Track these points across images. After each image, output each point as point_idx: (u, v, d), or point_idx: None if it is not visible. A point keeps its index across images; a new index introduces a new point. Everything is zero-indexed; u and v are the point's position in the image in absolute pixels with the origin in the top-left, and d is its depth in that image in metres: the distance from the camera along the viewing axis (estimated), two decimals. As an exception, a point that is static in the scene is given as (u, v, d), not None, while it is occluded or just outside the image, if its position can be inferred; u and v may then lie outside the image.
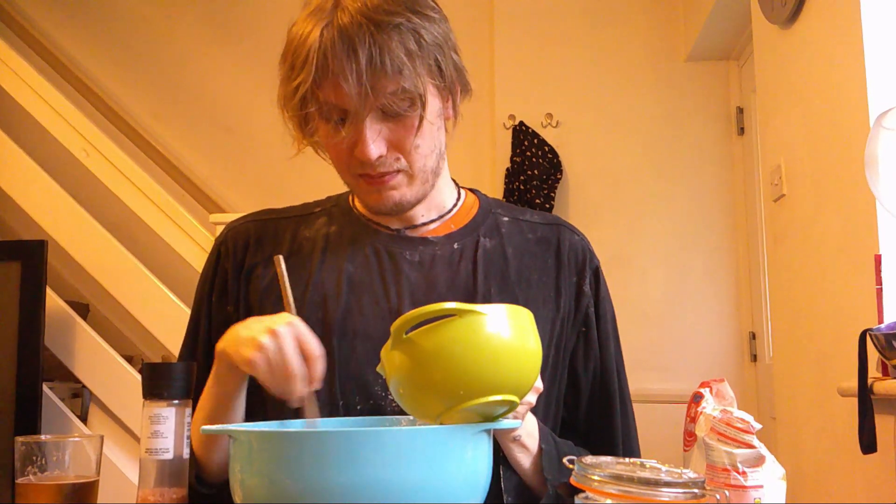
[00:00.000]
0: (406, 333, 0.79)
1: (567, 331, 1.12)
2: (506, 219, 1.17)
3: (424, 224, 1.14)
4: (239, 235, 1.16)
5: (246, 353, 0.88)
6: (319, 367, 0.89)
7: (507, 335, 0.79)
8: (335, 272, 1.09)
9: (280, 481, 0.74)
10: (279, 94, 1.04)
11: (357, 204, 1.17)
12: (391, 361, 0.81)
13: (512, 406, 0.81)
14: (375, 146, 1.00)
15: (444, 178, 1.15)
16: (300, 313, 0.95)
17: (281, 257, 0.97)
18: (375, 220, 1.14)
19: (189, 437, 0.84)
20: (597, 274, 1.16)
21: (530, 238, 1.15)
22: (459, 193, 1.19)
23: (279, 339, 0.87)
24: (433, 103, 1.03)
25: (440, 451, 0.76)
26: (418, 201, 1.09)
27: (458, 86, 1.08)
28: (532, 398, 0.92)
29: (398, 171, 1.04)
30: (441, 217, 1.15)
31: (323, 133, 1.05)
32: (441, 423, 0.80)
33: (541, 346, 0.83)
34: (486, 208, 1.18)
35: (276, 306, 1.08)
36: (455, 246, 1.12)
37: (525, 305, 0.84)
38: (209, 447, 1.02)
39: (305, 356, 0.88)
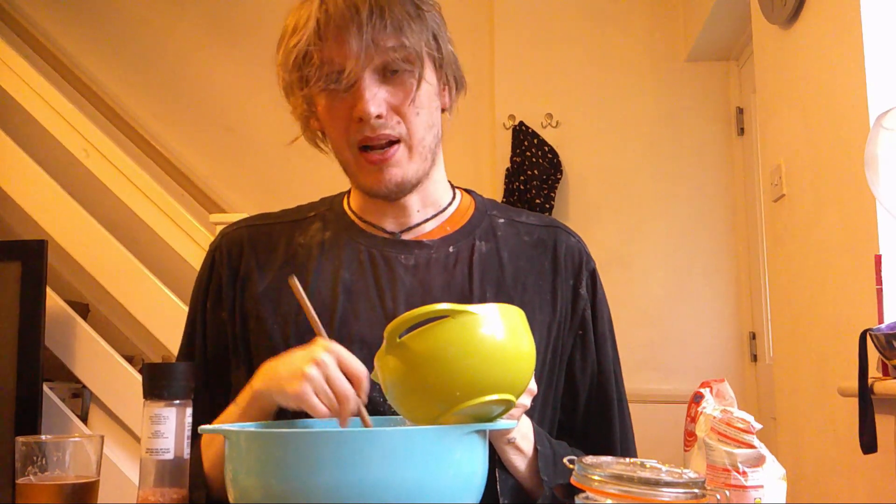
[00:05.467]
0: (400, 337, 0.79)
1: (564, 334, 1.12)
2: (501, 221, 1.16)
3: (419, 224, 1.13)
4: (233, 242, 1.15)
5: (293, 387, 0.87)
6: (365, 385, 0.89)
7: (501, 334, 0.79)
8: (331, 279, 1.09)
9: (272, 481, 0.74)
10: (278, 61, 1.05)
11: (351, 205, 1.17)
12: (386, 366, 0.80)
13: (508, 406, 0.80)
14: (374, 104, 1.01)
15: (439, 171, 1.14)
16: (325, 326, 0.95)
17: (295, 278, 0.96)
18: (370, 223, 1.14)
19: (189, 438, 0.84)
20: (593, 276, 1.16)
21: (526, 240, 1.15)
22: (455, 194, 1.19)
23: (323, 367, 0.87)
24: (430, 76, 1.05)
25: (433, 452, 0.76)
26: (418, 181, 1.08)
27: (453, 77, 1.09)
28: (526, 400, 0.92)
29: (399, 141, 1.04)
30: (436, 216, 1.15)
31: (321, 101, 1.05)
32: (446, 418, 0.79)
33: (534, 345, 0.83)
34: (481, 210, 1.17)
35: (273, 313, 1.08)
36: (450, 249, 1.12)
37: (521, 308, 0.84)
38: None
39: (350, 378, 0.88)
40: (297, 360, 0.89)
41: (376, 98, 1.01)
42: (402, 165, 1.05)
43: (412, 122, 1.04)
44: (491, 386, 0.77)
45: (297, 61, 1.02)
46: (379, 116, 1.01)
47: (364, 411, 0.90)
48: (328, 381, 0.87)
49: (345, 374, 0.88)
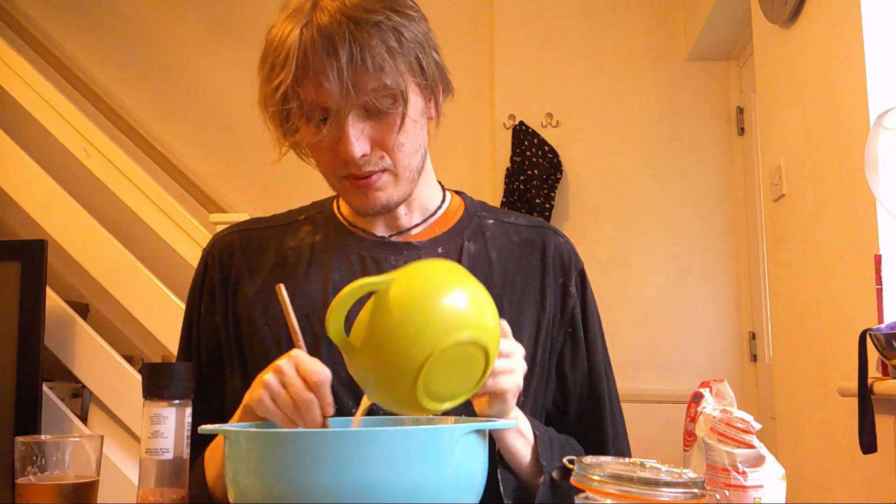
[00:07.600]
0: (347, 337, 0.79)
1: (553, 331, 1.12)
2: (490, 221, 1.17)
3: (409, 228, 1.14)
4: (224, 246, 1.16)
5: (254, 394, 0.88)
6: (325, 392, 0.87)
7: (441, 278, 0.79)
8: (321, 282, 1.09)
9: (272, 481, 0.74)
10: (259, 95, 1.04)
11: (342, 209, 1.17)
12: (356, 368, 0.80)
13: (485, 351, 0.78)
14: (359, 144, 1.00)
15: (427, 177, 1.14)
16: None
17: (282, 286, 0.95)
18: (360, 227, 1.14)
19: (189, 438, 0.84)
20: (582, 276, 1.17)
21: (515, 240, 1.15)
22: (444, 195, 1.19)
23: (280, 374, 0.87)
24: (415, 101, 1.03)
25: (433, 452, 0.76)
26: (404, 201, 1.09)
27: (440, 85, 1.08)
28: (517, 363, 0.89)
29: (383, 171, 1.04)
30: (425, 220, 1.15)
31: (306, 134, 1.04)
32: (424, 394, 0.77)
33: (482, 286, 0.81)
34: (470, 211, 1.18)
35: (264, 316, 1.08)
36: (439, 250, 1.12)
37: (510, 308, 0.84)
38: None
39: (309, 385, 0.86)
40: (266, 370, 0.89)
41: (360, 137, 1.00)
42: (387, 189, 1.06)
43: (397, 154, 1.03)
44: (455, 325, 0.76)
45: (277, 102, 1.00)
46: (364, 155, 1.01)
47: (327, 421, 0.88)
48: (286, 386, 0.86)
49: (305, 380, 0.86)
